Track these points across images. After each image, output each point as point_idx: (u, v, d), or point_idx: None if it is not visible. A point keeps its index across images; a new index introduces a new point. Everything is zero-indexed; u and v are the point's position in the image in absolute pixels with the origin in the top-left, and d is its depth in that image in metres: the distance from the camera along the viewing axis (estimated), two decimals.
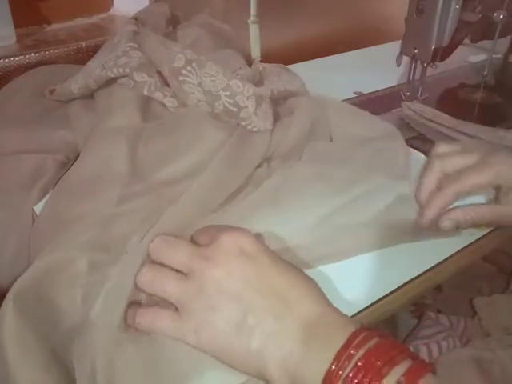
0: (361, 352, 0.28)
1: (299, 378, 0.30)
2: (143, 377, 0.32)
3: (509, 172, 0.42)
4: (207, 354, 0.32)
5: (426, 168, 0.46)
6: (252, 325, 0.31)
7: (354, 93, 0.75)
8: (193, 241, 0.38)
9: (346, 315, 0.33)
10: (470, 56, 0.90)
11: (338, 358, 0.29)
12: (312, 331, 0.31)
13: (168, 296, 0.34)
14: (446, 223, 0.43)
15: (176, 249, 0.35)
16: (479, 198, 0.47)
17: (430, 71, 0.69)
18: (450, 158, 0.45)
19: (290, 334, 0.31)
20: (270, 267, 0.33)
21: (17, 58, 0.64)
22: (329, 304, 0.33)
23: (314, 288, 0.34)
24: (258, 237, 0.35)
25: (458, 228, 0.43)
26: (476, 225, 0.44)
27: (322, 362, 0.29)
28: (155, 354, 0.33)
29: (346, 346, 0.29)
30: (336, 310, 0.33)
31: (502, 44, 0.80)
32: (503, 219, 0.43)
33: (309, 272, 0.36)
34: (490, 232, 0.46)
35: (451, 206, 0.44)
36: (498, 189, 0.44)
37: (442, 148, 0.47)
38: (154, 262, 0.36)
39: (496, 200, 0.45)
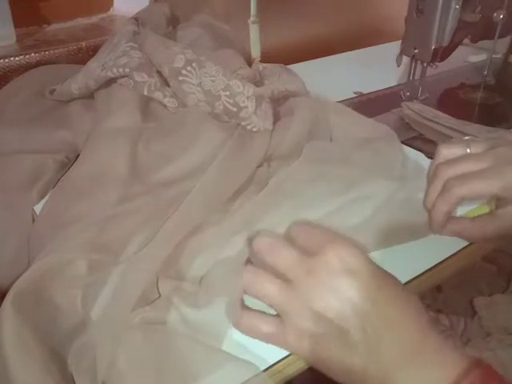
0: None
1: None
2: (148, 376, 0.32)
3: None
4: (306, 362, 0.34)
5: (432, 173, 0.45)
6: (355, 341, 0.31)
7: (354, 93, 0.75)
8: (291, 237, 0.37)
9: (447, 341, 0.32)
10: (470, 56, 0.90)
11: None
12: (413, 357, 0.31)
13: (269, 302, 0.33)
14: (449, 233, 0.43)
15: (282, 253, 0.34)
16: None
17: (430, 71, 0.69)
18: (457, 163, 0.43)
19: (390, 357, 0.31)
20: (371, 284, 0.32)
21: (17, 58, 0.64)
22: (429, 326, 0.32)
23: (414, 306, 0.33)
24: (363, 249, 0.35)
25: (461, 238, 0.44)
26: (479, 240, 0.44)
27: None
28: (161, 354, 0.33)
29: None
30: (435, 335, 0.32)
31: (502, 44, 0.79)
32: (505, 233, 0.42)
33: None
34: None
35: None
36: (499, 200, 0.43)
37: (448, 150, 0.45)
38: (251, 262, 0.36)
39: (495, 210, 0.44)
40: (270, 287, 0.33)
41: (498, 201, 0.44)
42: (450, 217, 0.43)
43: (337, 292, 0.32)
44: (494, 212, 0.43)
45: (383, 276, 0.33)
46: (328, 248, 0.33)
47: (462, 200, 0.42)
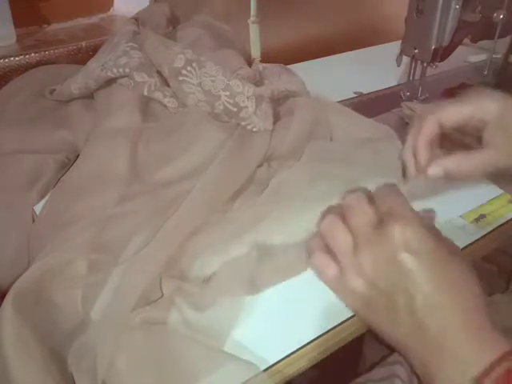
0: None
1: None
2: (148, 376, 0.32)
3: (489, 103, 0.42)
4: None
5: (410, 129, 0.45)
6: (402, 320, 0.33)
7: (354, 93, 0.75)
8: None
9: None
10: (470, 56, 0.90)
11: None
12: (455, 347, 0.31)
13: (337, 252, 0.36)
14: (434, 170, 0.42)
15: (357, 213, 0.36)
16: None
17: (430, 71, 0.69)
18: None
19: (431, 345, 0.32)
20: (429, 267, 0.33)
21: (17, 58, 0.64)
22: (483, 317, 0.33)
23: (471, 293, 0.33)
24: (429, 226, 0.35)
25: (447, 178, 0.42)
26: (467, 175, 0.43)
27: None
28: (162, 354, 0.33)
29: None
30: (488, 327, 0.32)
31: (502, 44, 0.79)
32: (496, 165, 0.42)
33: (308, 272, 0.36)
34: (490, 232, 0.46)
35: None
36: (484, 130, 0.43)
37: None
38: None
39: (484, 146, 0.43)
40: (340, 240, 0.36)
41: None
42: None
43: (393, 267, 0.33)
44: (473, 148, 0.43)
45: (445, 259, 0.33)
46: (395, 223, 0.34)
47: (439, 126, 0.42)
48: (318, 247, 0.37)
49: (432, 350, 0.32)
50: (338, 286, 0.36)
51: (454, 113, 0.42)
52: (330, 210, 0.38)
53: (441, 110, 0.43)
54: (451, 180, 0.43)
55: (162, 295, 0.37)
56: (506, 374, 0.29)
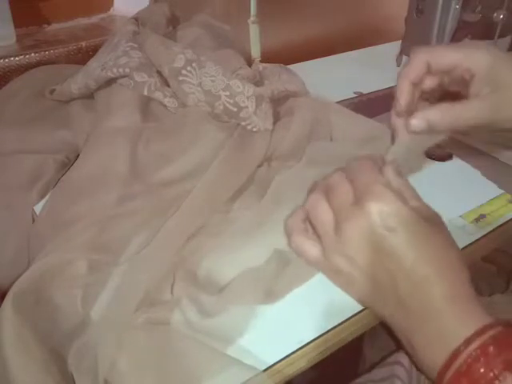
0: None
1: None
2: (149, 377, 0.32)
3: (479, 54, 0.41)
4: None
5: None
6: (385, 294, 0.34)
7: (354, 93, 0.75)
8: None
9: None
10: None
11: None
12: (439, 316, 0.32)
13: (320, 230, 0.37)
14: (417, 122, 0.41)
15: (338, 190, 0.37)
16: None
17: None
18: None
19: (416, 316, 0.32)
20: (407, 242, 0.33)
21: (17, 58, 0.64)
22: (464, 291, 0.33)
23: (452, 267, 0.33)
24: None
25: (431, 130, 0.41)
26: (451, 128, 0.42)
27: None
28: (163, 355, 0.33)
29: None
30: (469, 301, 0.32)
31: (502, 44, 0.79)
32: (480, 118, 0.41)
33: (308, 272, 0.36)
34: (490, 232, 0.46)
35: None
36: (471, 82, 0.42)
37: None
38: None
39: (469, 99, 0.42)
40: (322, 220, 0.36)
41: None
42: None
43: (372, 246, 0.33)
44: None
45: (424, 233, 0.33)
46: (370, 202, 0.34)
47: (427, 65, 0.42)
48: (297, 227, 0.38)
49: (415, 325, 0.32)
50: (321, 265, 0.37)
51: (443, 56, 0.42)
52: (314, 188, 0.39)
53: (430, 50, 0.42)
54: (434, 133, 0.42)
55: (171, 297, 0.37)
56: (483, 348, 0.29)
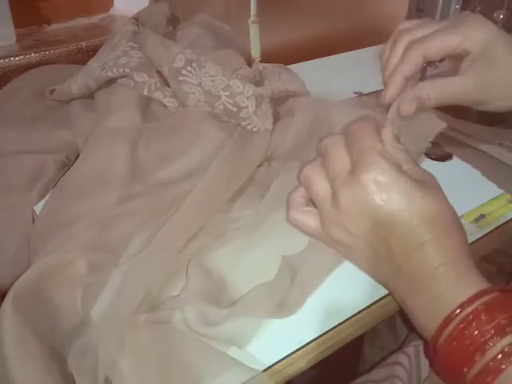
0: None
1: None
2: (151, 376, 0.32)
3: (477, 34, 0.41)
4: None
5: (391, 42, 0.44)
6: (382, 262, 0.34)
7: (354, 93, 0.75)
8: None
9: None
10: None
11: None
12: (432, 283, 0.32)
13: (316, 201, 0.37)
14: (407, 106, 0.41)
15: (332, 157, 0.36)
16: None
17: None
18: (416, 29, 0.43)
19: (410, 283, 0.33)
20: (404, 210, 0.33)
21: (17, 58, 0.64)
22: (457, 254, 0.33)
23: (448, 231, 0.33)
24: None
25: (422, 109, 0.41)
26: (442, 102, 0.42)
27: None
28: (165, 355, 0.33)
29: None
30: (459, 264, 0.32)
31: None
32: (470, 94, 0.41)
33: None
34: (490, 232, 0.46)
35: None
36: (465, 58, 0.42)
37: (407, 23, 0.45)
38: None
39: (461, 74, 0.42)
40: (318, 190, 0.36)
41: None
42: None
43: (367, 215, 0.33)
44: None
45: (418, 199, 0.33)
46: (365, 172, 0.34)
47: (423, 59, 0.41)
48: (295, 202, 0.38)
49: (412, 291, 0.32)
50: (321, 236, 0.37)
51: (441, 45, 0.41)
52: (317, 147, 0.39)
53: (425, 41, 0.41)
54: (425, 110, 0.42)
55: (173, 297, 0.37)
56: (476, 313, 0.29)
